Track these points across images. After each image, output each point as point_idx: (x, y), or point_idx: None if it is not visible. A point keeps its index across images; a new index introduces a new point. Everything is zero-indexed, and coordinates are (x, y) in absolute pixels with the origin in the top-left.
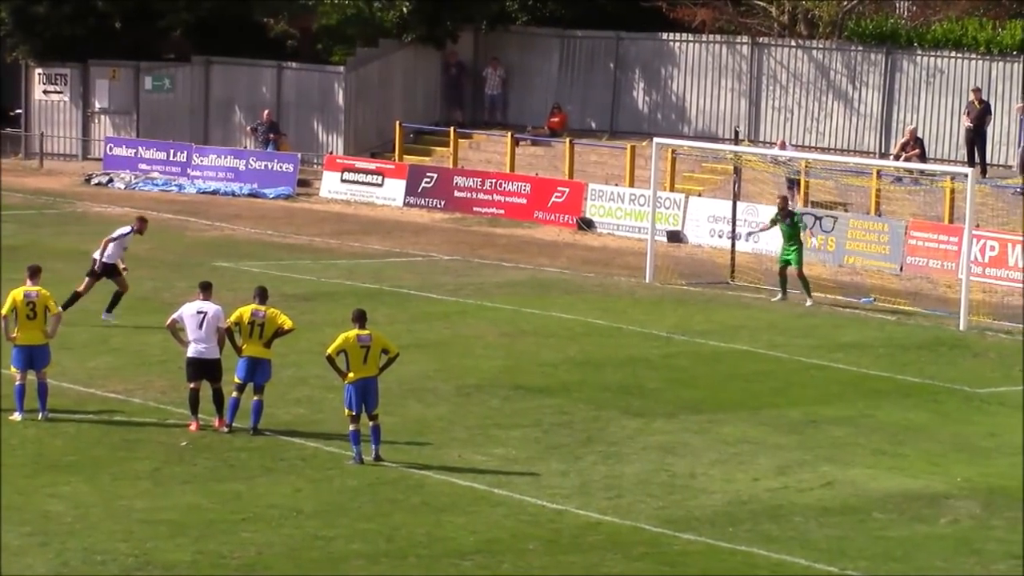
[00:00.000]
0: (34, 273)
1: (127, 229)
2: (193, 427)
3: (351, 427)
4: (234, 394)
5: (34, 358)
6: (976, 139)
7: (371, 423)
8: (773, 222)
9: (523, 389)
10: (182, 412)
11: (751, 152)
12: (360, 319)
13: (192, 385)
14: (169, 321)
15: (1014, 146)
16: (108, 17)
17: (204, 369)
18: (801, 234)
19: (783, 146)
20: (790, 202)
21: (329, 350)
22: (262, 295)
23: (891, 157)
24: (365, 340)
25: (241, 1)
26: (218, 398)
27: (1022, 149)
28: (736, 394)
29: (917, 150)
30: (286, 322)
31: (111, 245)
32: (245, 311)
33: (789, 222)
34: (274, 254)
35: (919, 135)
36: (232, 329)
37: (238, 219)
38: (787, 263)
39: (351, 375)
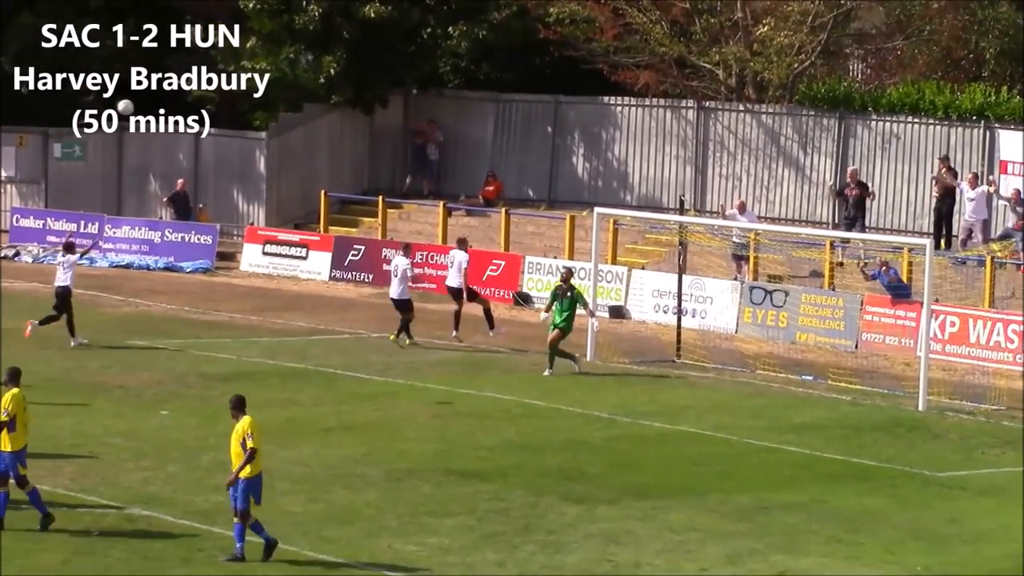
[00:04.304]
0: (12, 377)
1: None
2: None
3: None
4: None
5: None
6: (943, 210)
7: (252, 520)
8: (553, 297)
9: (457, 474)
10: (93, 500)
11: (697, 222)
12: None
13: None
14: None
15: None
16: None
17: None
18: (577, 307)
19: (743, 208)
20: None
21: (257, 441)
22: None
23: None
24: None
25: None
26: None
27: (963, 221)
28: (682, 478)
29: (856, 191)
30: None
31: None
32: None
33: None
34: (192, 331)
35: (863, 179)
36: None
37: (154, 294)
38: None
39: (257, 467)
